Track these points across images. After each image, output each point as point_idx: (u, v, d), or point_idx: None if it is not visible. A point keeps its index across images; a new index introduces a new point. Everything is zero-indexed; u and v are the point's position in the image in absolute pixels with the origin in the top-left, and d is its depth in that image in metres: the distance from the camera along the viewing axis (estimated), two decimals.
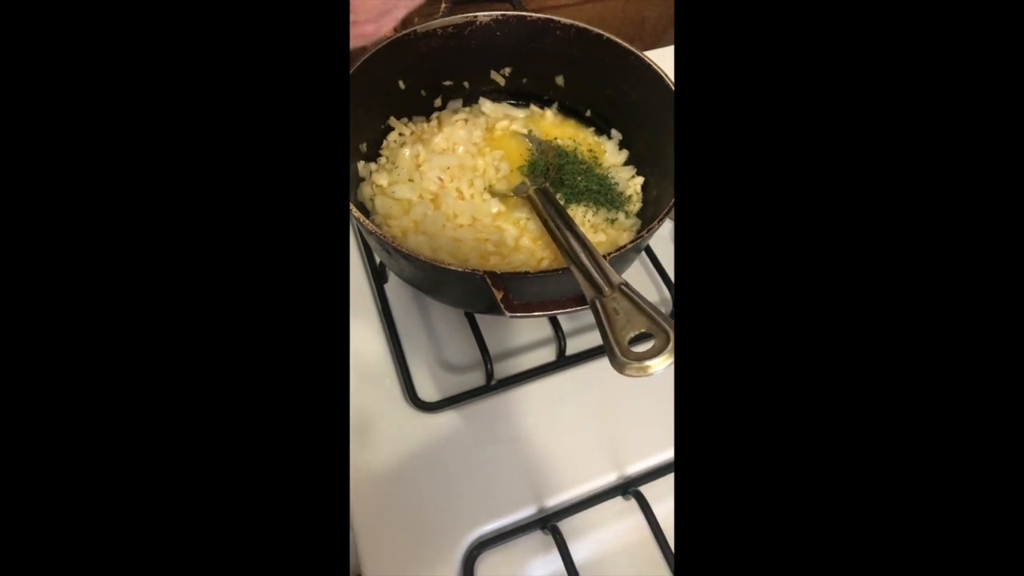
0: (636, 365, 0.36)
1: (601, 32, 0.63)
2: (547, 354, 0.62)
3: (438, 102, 0.70)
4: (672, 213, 0.53)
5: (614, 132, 0.69)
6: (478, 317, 0.61)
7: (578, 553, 0.51)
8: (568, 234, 0.50)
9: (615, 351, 0.37)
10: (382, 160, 0.66)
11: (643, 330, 0.38)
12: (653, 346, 0.37)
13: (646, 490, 0.54)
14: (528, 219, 0.61)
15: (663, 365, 0.35)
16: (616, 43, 0.63)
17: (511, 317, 0.46)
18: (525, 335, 0.64)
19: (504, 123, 0.69)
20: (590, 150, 0.68)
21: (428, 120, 0.69)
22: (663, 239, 0.70)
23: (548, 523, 0.52)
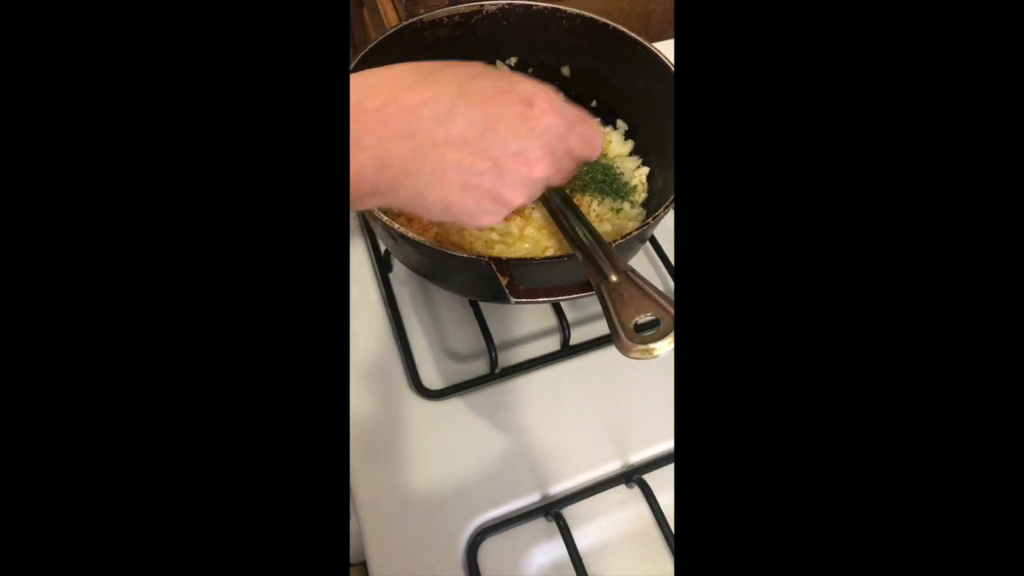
0: (641, 348, 0.36)
1: (608, 22, 0.63)
2: (551, 343, 0.62)
3: None
4: None
5: (620, 122, 0.69)
6: (483, 305, 0.61)
7: (582, 540, 0.51)
8: (574, 221, 0.50)
9: (620, 334, 0.37)
10: None
11: (648, 314, 0.38)
12: (658, 329, 0.37)
13: (650, 478, 0.54)
14: (533, 208, 0.61)
15: (668, 347, 0.35)
16: (622, 33, 0.63)
17: (516, 303, 0.46)
18: (529, 324, 0.64)
19: None
20: None
21: None
22: (668, 229, 0.70)
23: (552, 510, 0.52)
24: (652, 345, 0.36)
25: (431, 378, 0.59)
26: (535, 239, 0.60)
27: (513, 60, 0.69)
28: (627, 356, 0.36)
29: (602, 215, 0.62)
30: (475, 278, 0.52)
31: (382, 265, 0.65)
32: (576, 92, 0.70)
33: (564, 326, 0.60)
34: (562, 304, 0.62)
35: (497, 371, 0.59)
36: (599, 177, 0.63)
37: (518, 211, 0.61)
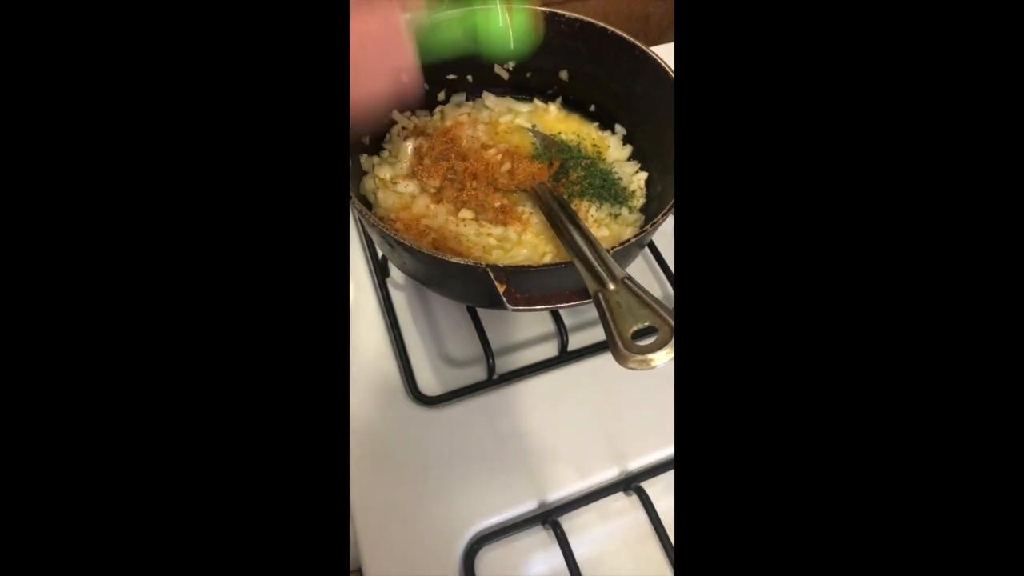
0: (639, 358, 0.35)
1: (606, 26, 0.63)
2: (549, 349, 0.62)
3: (441, 96, 0.69)
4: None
5: (618, 127, 0.68)
6: (480, 312, 0.61)
7: (579, 548, 0.51)
8: (571, 228, 0.50)
9: (618, 344, 0.37)
10: (385, 154, 0.66)
11: (646, 323, 0.38)
12: (656, 339, 0.36)
13: (647, 486, 0.54)
14: (531, 213, 0.61)
15: (666, 358, 0.35)
16: (621, 37, 0.62)
17: (513, 310, 0.45)
18: (527, 330, 0.63)
19: (508, 117, 0.69)
20: (594, 145, 0.68)
21: (431, 114, 0.69)
22: (666, 235, 0.69)
23: (549, 518, 0.52)
24: (650, 356, 0.35)
25: (428, 384, 0.59)
26: (533, 244, 0.60)
27: (511, 64, 0.69)
28: (624, 366, 0.36)
29: (600, 220, 0.62)
30: (472, 285, 0.52)
31: (379, 271, 0.64)
32: (574, 96, 0.70)
33: (562, 332, 0.60)
34: (560, 310, 0.62)
35: (495, 377, 0.59)
36: (597, 182, 0.63)
37: (516, 216, 0.61)
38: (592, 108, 0.70)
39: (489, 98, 0.70)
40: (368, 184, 0.63)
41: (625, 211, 0.63)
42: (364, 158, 0.64)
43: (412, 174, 0.63)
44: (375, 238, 0.59)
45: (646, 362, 0.35)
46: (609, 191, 0.63)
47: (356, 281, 0.65)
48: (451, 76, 0.68)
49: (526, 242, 0.60)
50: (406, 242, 0.49)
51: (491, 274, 0.46)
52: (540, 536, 0.52)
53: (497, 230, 0.60)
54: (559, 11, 0.64)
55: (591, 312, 0.65)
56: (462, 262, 0.48)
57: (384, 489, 0.53)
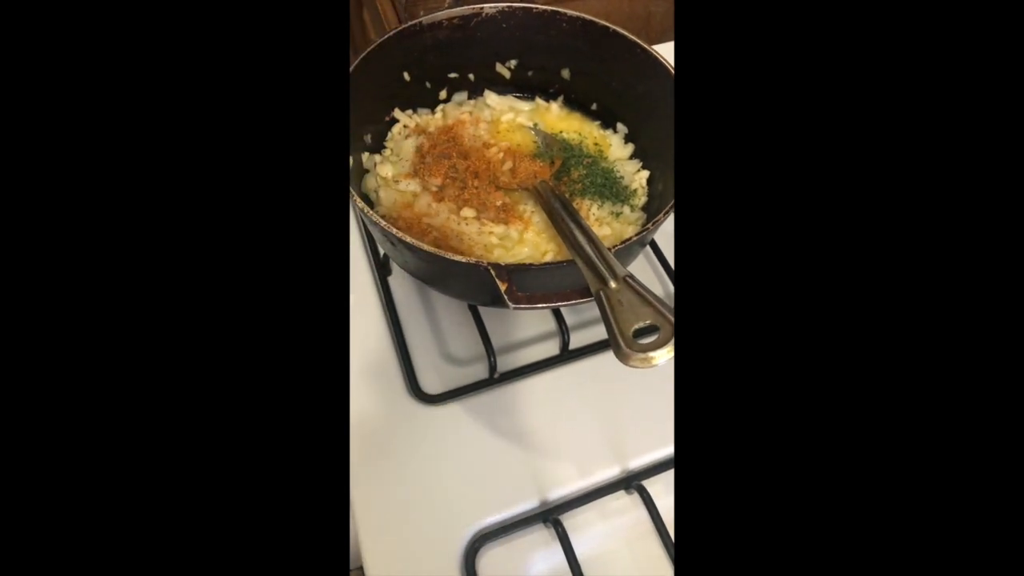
0: (640, 356, 0.36)
1: (608, 24, 0.63)
2: (551, 348, 0.62)
3: (443, 94, 0.69)
4: None
5: (620, 126, 0.68)
6: (482, 310, 0.61)
7: (580, 547, 0.51)
8: (573, 226, 0.50)
9: (619, 342, 0.37)
10: (386, 152, 0.66)
11: (648, 322, 0.38)
12: (657, 338, 0.36)
13: (649, 484, 0.54)
14: (533, 212, 0.61)
15: (667, 356, 0.35)
16: (623, 35, 0.62)
17: (515, 309, 0.46)
18: (529, 328, 0.63)
19: (509, 116, 0.69)
20: (596, 144, 0.68)
21: (433, 112, 0.69)
22: (668, 234, 0.69)
23: (550, 516, 0.52)
24: (651, 354, 0.35)
25: (430, 383, 0.59)
26: (535, 243, 0.60)
27: (513, 63, 0.69)
28: (625, 364, 0.36)
29: (602, 219, 0.62)
30: (474, 283, 0.52)
31: (381, 269, 0.64)
32: (576, 95, 0.70)
33: (564, 330, 0.60)
34: (562, 308, 0.62)
35: (496, 376, 0.59)
36: (599, 181, 0.63)
37: (518, 215, 0.61)
38: (594, 107, 0.70)
39: (491, 96, 0.70)
40: (370, 182, 0.63)
41: (627, 209, 0.63)
42: (366, 156, 0.64)
43: (414, 172, 0.63)
44: (377, 236, 0.59)
45: (647, 360, 0.35)
46: (611, 190, 0.63)
47: (357, 280, 0.65)
48: (453, 75, 0.68)
49: (528, 240, 0.60)
50: (408, 240, 0.49)
51: (493, 272, 0.46)
52: (541, 534, 0.52)
53: (499, 228, 0.60)
54: (561, 9, 0.64)
55: (593, 310, 0.65)
56: (464, 260, 0.48)
57: (385, 487, 0.53)
